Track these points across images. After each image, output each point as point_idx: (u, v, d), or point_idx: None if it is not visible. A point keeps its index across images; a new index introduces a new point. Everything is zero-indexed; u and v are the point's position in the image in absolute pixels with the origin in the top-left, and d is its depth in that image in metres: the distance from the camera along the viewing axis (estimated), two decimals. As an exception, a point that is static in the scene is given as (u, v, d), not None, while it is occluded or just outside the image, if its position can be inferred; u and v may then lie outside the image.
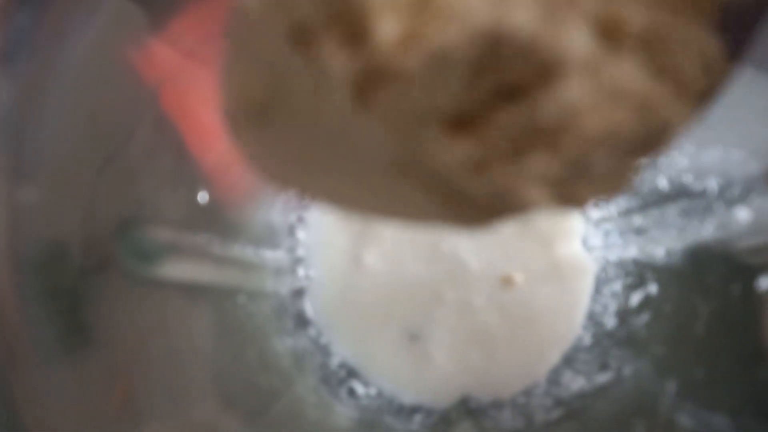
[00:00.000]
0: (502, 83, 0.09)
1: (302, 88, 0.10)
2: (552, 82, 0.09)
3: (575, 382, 0.31)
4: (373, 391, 0.33)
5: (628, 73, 0.10)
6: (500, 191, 0.10)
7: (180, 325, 0.23)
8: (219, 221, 0.27)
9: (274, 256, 0.32)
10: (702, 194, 0.25)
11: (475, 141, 0.10)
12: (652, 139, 0.10)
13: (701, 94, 0.11)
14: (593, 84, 0.10)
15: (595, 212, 0.34)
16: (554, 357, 0.33)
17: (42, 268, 0.16)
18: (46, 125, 0.17)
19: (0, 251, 0.14)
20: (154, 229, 0.21)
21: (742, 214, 0.23)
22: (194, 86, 0.27)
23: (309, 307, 0.33)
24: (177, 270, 0.22)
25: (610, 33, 0.10)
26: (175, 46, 0.25)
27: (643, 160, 0.11)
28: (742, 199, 0.23)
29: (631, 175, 0.11)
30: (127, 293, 0.20)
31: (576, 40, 0.09)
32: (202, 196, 0.24)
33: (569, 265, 0.34)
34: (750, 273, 0.23)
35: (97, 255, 0.18)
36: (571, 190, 0.11)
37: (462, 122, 0.10)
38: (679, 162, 0.26)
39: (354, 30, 0.09)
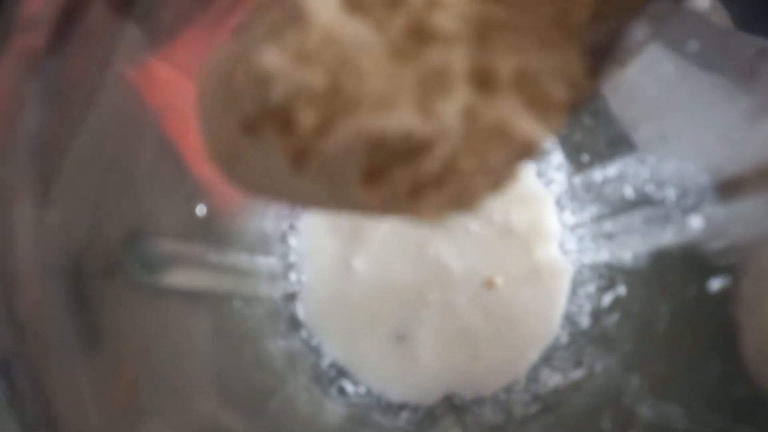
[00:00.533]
0: (394, 152, 0.13)
1: (256, 153, 0.14)
2: (431, 148, 0.13)
3: (552, 379, 0.33)
4: (362, 389, 0.34)
5: (501, 111, 0.13)
6: (409, 215, 0.14)
7: (181, 328, 0.25)
8: (216, 231, 0.28)
9: (267, 262, 0.33)
10: (662, 203, 0.27)
11: (382, 189, 0.13)
12: (522, 153, 0.13)
13: (569, 107, 0.13)
14: (469, 130, 0.13)
15: (570, 218, 0.36)
16: (534, 355, 0.35)
17: (62, 276, 0.17)
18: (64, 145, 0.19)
19: (31, 264, 0.16)
20: (158, 240, 0.23)
21: (696, 222, 0.25)
22: (190, 102, 0.28)
23: (301, 311, 0.34)
24: (178, 278, 0.24)
25: (485, 83, 0.13)
26: (174, 62, 0.27)
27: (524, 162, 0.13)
28: (695, 207, 0.25)
29: (512, 176, 0.14)
30: (133, 299, 0.22)
31: (447, 117, 0.13)
32: (200, 209, 0.26)
33: (547, 267, 0.36)
34: (704, 275, 0.25)
35: (105, 264, 0.20)
36: (461, 202, 0.14)
37: (372, 177, 0.13)
38: (642, 173, 0.28)
39: (285, 121, 0.12)
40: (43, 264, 0.17)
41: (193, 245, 0.25)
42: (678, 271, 0.27)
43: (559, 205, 0.36)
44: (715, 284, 0.23)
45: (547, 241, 0.36)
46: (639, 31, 0.27)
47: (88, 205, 0.19)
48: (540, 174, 0.36)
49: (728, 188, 0.23)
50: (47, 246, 0.17)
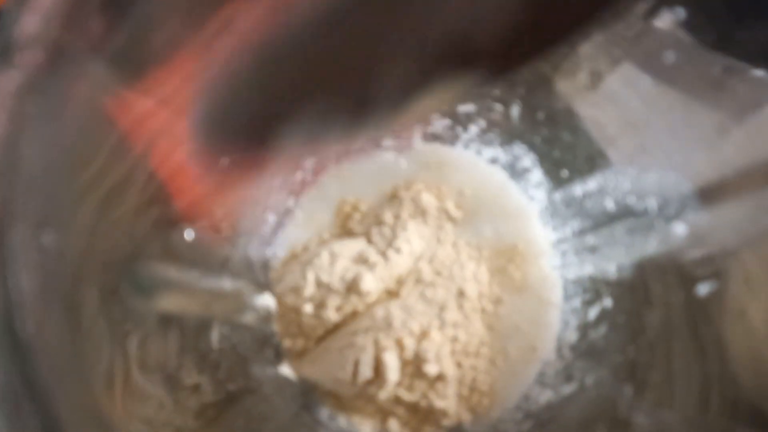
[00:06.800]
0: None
1: None
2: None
3: (543, 395, 0.33)
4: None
5: None
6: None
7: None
8: (203, 258, 0.28)
9: (251, 289, 0.33)
10: (644, 213, 0.27)
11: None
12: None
13: None
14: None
15: (552, 234, 0.36)
16: (533, 370, 0.34)
17: (62, 299, 0.17)
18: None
19: (30, 287, 0.16)
20: (151, 265, 0.22)
21: (679, 229, 0.25)
22: (169, 133, 0.28)
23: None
24: (171, 303, 0.23)
25: None
26: (151, 95, 0.27)
27: None
28: (678, 215, 0.25)
29: None
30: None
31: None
32: (189, 234, 0.25)
33: (539, 282, 0.35)
34: (689, 282, 0.25)
35: (101, 288, 0.20)
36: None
37: None
38: (623, 185, 0.29)
39: None
40: (42, 286, 0.16)
41: (184, 271, 0.25)
42: (662, 280, 0.27)
43: (541, 221, 0.36)
44: (702, 290, 0.24)
45: (537, 255, 0.36)
46: (615, 50, 0.28)
47: (84, 230, 0.19)
48: (520, 192, 0.37)
49: (709, 194, 0.24)
50: (45, 269, 0.16)
